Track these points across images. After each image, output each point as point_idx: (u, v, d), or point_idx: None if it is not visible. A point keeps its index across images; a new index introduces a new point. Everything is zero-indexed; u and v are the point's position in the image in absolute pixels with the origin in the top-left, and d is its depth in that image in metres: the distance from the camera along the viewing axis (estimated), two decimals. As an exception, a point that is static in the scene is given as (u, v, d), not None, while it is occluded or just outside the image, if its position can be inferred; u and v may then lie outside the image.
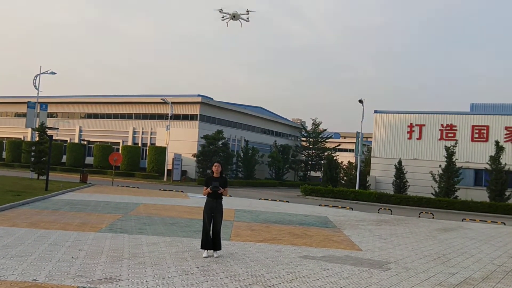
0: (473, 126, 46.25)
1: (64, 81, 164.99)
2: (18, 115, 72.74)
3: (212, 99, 61.19)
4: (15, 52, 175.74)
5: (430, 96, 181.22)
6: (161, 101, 57.30)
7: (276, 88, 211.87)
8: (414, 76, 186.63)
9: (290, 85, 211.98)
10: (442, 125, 47.44)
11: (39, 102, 46.17)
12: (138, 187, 39.39)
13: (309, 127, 78.93)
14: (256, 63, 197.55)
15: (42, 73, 45.82)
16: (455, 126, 46.93)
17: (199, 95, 59.59)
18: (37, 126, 42.95)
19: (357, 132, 48.04)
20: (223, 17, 36.24)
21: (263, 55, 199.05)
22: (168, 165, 55.22)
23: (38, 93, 45.59)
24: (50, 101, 61.55)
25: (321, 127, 76.22)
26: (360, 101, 45.53)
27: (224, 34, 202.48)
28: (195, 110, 59.29)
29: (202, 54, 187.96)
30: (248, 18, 36.68)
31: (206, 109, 60.29)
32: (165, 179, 54.33)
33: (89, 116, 68.04)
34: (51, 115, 64.49)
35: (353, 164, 62.82)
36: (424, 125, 48.07)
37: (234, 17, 36.43)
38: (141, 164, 60.50)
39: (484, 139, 45.62)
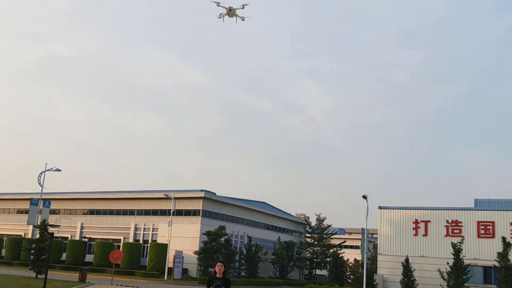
0: (478, 222, 45.75)
1: (67, 176, 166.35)
2: (20, 211, 72.48)
3: (215, 194, 61.21)
4: (19, 148, 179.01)
5: (434, 191, 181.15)
6: (164, 196, 57.30)
7: (279, 183, 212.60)
8: (416, 171, 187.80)
9: (293, 180, 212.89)
10: (447, 221, 46.96)
11: (42, 199, 46.18)
12: (137, 287, 38.18)
13: (313, 222, 78.05)
14: (259, 158, 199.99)
15: (47, 170, 46.21)
16: (461, 222, 46.42)
17: (202, 190, 59.69)
18: (38, 223, 42.63)
19: (362, 228, 47.42)
20: (220, 14, 35.58)
21: (266, 150, 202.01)
22: (169, 263, 53.96)
23: (42, 190, 45.74)
24: (53, 197, 61.59)
25: (325, 223, 75.39)
26: (364, 197, 45.35)
27: (228, 129, 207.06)
28: (198, 205, 59.11)
29: (205, 149, 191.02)
30: (243, 18, 36.03)
31: (209, 204, 60.11)
32: (165, 278, 52.84)
33: (91, 212, 67.75)
34: (53, 212, 64.23)
35: (359, 262, 61.32)
36: (429, 221, 47.59)
37: (231, 11, 35.52)
38: (142, 262, 59.18)
39: (491, 235, 44.90)
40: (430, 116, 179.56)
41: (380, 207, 50.37)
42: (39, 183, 45.56)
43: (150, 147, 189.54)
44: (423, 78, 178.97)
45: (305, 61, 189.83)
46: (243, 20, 35.91)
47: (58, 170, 46.63)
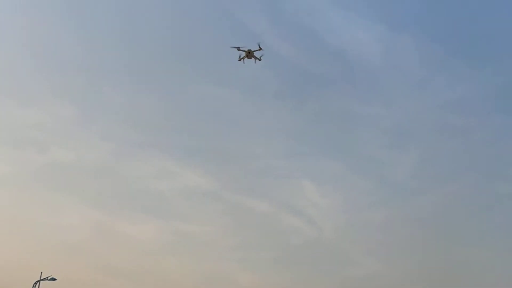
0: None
1: (63, 285, 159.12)
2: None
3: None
4: (14, 254, 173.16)
5: None
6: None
7: (279, 285, 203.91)
8: (417, 269, 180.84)
9: (295, 284, 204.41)
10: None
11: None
12: None
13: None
14: (259, 262, 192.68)
15: (42, 280, 43.66)
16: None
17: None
18: None
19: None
20: (239, 57, 36.63)
21: (266, 253, 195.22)
22: None
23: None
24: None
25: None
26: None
27: (227, 232, 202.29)
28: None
29: (203, 253, 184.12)
30: (260, 57, 37.20)
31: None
32: None
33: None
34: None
35: None
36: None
37: (249, 53, 36.86)
38: None
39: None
40: (430, 213, 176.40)
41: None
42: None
43: (146, 252, 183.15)
44: (422, 176, 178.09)
45: (304, 161, 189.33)
46: (260, 60, 38.30)
47: (53, 279, 44.19)
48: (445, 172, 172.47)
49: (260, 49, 39.16)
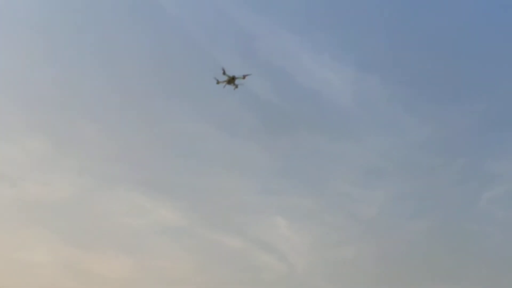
0: None
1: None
2: None
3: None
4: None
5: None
6: None
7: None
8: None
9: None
10: None
11: None
12: None
13: None
14: None
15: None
16: None
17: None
18: None
19: None
20: (218, 81, 36.52)
21: None
22: None
23: None
24: None
25: None
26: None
27: (200, 269, 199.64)
28: None
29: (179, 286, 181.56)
30: (237, 86, 37.52)
31: None
32: None
33: None
34: None
35: None
36: None
37: (233, 79, 37.19)
38: None
39: None
40: (400, 251, 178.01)
41: None
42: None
43: None
44: (392, 213, 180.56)
45: (276, 198, 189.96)
46: (236, 87, 38.74)
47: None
48: (413, 210, 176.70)
49: (244, 77, 39.89)
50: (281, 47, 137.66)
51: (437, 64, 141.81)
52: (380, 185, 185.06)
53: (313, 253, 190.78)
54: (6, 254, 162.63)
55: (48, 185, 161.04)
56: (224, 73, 39.53)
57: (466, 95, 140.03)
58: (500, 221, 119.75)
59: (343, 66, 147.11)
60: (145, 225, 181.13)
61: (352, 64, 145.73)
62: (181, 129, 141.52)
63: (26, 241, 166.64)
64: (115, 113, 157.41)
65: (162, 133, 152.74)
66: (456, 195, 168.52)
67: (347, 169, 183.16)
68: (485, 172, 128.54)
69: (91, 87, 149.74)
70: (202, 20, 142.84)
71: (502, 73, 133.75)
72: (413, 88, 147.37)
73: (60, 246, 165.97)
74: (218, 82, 39.97)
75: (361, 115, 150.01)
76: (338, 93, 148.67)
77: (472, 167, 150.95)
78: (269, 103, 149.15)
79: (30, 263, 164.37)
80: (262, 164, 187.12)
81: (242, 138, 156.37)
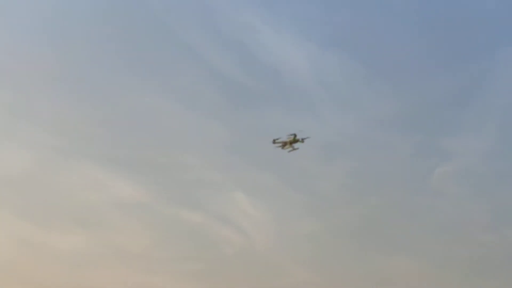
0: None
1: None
2: None
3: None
4: None
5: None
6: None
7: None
8: (345, 278, 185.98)
9: None
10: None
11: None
12: None
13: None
14: (190, 273, 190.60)
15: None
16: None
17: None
18: None
19: None
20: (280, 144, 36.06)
21: (198, 264, 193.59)
22: None
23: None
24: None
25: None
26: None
27: (159, 244, 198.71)
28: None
29: (133, 266, 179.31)
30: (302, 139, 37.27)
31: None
32: None
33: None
34: None
35: None
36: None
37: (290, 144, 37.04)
38: None
39: None
40: (355, 225, 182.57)
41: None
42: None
43: (76, 265, 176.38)
44: (349, 189, 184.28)
45: (236, 173, 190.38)
46: (303, 142, 37.68)
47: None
48: (369, 185, 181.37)
49: (303, 141, 38.74)
50: (243, 22, 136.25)
51: (398, 42, 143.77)
52: (337, 161, 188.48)
53: (273, 227, 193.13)
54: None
55: (1, 159, 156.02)
56: (274, 142, 38.49)
57: (425, 74, 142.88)
58: (450, 196, 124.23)
59: (304, 42, 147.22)
60: (103, 200, 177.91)
61: (313, 41, 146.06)
62: (141, 103, 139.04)
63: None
64: (72, 85, 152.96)
65: (121, 106, 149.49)
66: (410, 171, 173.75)
67: (306, 145, 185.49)
68: (440, 149, 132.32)
69: (45, 58, 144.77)
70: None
71: (460, 53, 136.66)
72: (373, 66, 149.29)
73: (14, 221, 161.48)
74: (275, 142, 39.26)
75: (321, 91, 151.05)
76: (299, 70, 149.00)
77: (428, 144, 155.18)
78: (230, 78, 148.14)
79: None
80: (223, 139, 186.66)
81: (203, 113, 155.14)
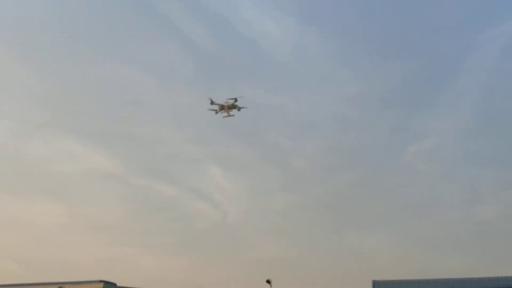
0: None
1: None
2: None
3: (115, 284, 58.18)
4: None
5: (332, 273, 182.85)
6: (59, 288, 53.58)
7: (185, 271, 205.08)
8: (315, 255, 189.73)
9: (199, 268, 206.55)
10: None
11: None
12: None
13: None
14: (164, 246, 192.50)
15: None
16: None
17: (101, 281, 56.67)
18: None
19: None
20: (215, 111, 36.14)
21: (171, 237, 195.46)
22: None
23: None
24: None
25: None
26: (268, 281, 45.39)
27: (131, 216, 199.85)
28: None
29: (105, 238, 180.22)
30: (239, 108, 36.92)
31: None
32: None
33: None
34: None
35: None
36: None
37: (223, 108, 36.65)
38: None
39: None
40: (328, 200, 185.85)
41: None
42: None
43: (50, 236, 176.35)
44: (321, 165, 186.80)
45: (212, 147, 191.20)
46: (239, 110, 37.66)
47: None
48: (341, 162, 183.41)
49: (239, 109, 38.45)
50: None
51: (376, 20, 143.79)
52: (312, 137, 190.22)
53: (246, 201, 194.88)
54: None
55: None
56: (212, 103, 38.05)
57: (402, 52, 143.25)
58: (421, 173, 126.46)
59: (284, 16, 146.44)
60: (77, 172, 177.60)
61: (293, 15, 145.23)
62: (116, 74, 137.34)
63: None
64: (51, 57, 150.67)
65: (95, 78, 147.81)
66: (383, 148, 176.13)
67: (281, 122, 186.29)
68: (413, 128, 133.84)
69: (24, 28, 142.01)
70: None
71: (441, 32, 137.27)
72: (351, 43, 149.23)
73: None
74: (216, 112, 38.65)
75: (298, 68, 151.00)
76: (277, 45, 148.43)
77: (401, 122, 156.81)
78: (207, 51, 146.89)
79: None
80: (199, 113, 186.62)
81: (178, 86, 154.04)
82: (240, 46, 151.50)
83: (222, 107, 38.28)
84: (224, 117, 38.85)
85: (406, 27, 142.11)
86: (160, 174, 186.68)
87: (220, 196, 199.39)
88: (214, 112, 38.67)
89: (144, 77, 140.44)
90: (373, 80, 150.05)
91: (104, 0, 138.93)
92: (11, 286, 61.40)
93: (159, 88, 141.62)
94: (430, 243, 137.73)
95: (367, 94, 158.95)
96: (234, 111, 38.29)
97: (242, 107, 37.92)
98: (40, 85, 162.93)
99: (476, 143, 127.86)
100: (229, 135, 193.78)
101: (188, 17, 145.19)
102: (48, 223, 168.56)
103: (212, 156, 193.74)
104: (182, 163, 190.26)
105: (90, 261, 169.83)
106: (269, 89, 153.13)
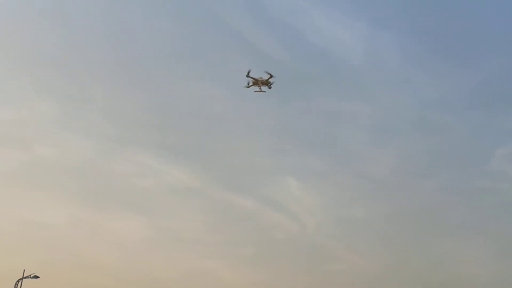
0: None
1: (46, 283, 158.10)
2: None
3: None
4: None
5: (421, 282, 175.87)
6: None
7: (265, 284, 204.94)
8: (397, 264, 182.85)
9: (280, 280, 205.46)
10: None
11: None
12: None
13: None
14: (243, 258, 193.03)
15: (25, 278, 43.89)
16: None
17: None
18: None
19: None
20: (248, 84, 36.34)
21: (250, 249, 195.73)
22: None
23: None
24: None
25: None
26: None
27: (211, 229, 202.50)
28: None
29: (186, 249, 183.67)
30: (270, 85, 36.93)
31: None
32: None
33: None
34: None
35: None
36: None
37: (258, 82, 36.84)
38: None
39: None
40: (412, 209, 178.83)
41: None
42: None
43: (133, 250, 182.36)
44: (403, 172, 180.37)
45: (287, 158, 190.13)
46: (270, 87, 37.88)
47: (36, 277, 44.40)
48: (424, 169, 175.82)
49: (270, 78, 38.64)
50: (290, 4, 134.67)
51: (452, 21, 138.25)
52: (391, 144, 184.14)
53: (324, 212, 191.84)
54: (17, 217, 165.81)
55: (59, 148, 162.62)
56: (248, 75, 38.21)
57: (480, 53, 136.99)
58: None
59: (355, 22, 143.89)
60: (157, 186, 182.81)
61: (364, 20, 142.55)
62: (191, 89, 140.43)
63: (37, 203, 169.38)
64: (122, 75, 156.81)
65: (171, 94, 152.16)
66: (468, 152, 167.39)
67: (358, 129, 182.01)
68: (498, 129, 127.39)
69: (102, 50, 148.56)
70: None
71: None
72: (426, 45, 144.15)
73: (71, 208, 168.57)
74: (248, 86, 38.92)
75: (373, 73, 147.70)
76: (349, 51, 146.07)
77: (485, 124, 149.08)
78: (280, 62, 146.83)
79: (42, 225, 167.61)
80: (274, 124, 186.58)
81: (253, 99, 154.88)
82: (312, 55, 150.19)
83: (256, 82, 37.64)
84: (255, 91, 38.24)
85: (486, 27, 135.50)
86: (236, 186, 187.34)
87: (297, 207, 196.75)
88: (250, 86, 38.15)
89: (218, 91, 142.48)
90: (452, 82, 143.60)
91: (180, 20, 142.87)
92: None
93: (233, 101, 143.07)
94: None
95: (446, 97, 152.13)
96: (265, 88, 37.68)
97: (272, 84, 37.44)
98: (122, 103, 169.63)
99: None
100: (304, 145, 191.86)
101: (258, 29, 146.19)
102: (133, 236, 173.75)
103: (288, 167, 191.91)
104: (257, 174, 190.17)
105: (175, 274, 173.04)
106: (343, 96, 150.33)
